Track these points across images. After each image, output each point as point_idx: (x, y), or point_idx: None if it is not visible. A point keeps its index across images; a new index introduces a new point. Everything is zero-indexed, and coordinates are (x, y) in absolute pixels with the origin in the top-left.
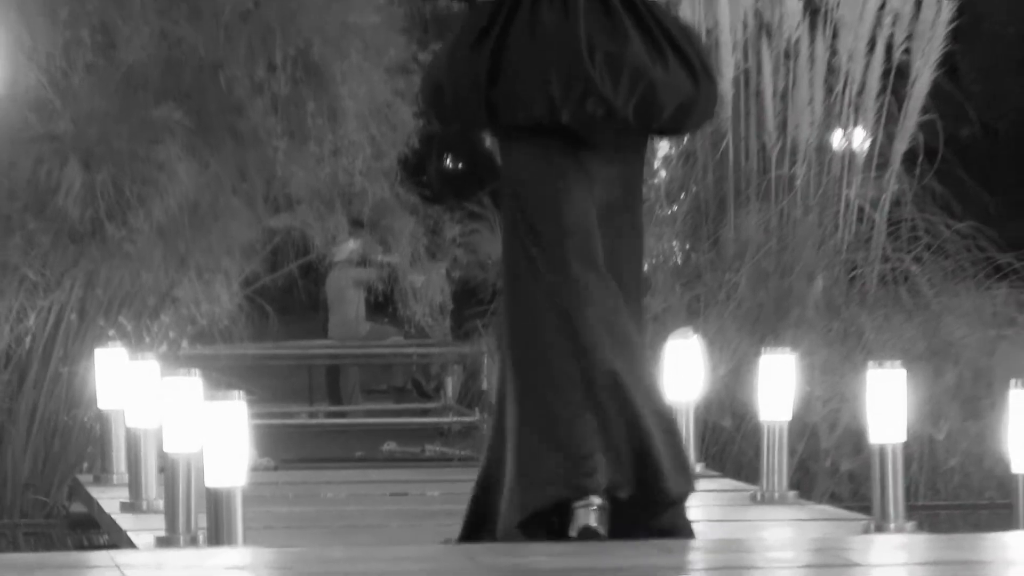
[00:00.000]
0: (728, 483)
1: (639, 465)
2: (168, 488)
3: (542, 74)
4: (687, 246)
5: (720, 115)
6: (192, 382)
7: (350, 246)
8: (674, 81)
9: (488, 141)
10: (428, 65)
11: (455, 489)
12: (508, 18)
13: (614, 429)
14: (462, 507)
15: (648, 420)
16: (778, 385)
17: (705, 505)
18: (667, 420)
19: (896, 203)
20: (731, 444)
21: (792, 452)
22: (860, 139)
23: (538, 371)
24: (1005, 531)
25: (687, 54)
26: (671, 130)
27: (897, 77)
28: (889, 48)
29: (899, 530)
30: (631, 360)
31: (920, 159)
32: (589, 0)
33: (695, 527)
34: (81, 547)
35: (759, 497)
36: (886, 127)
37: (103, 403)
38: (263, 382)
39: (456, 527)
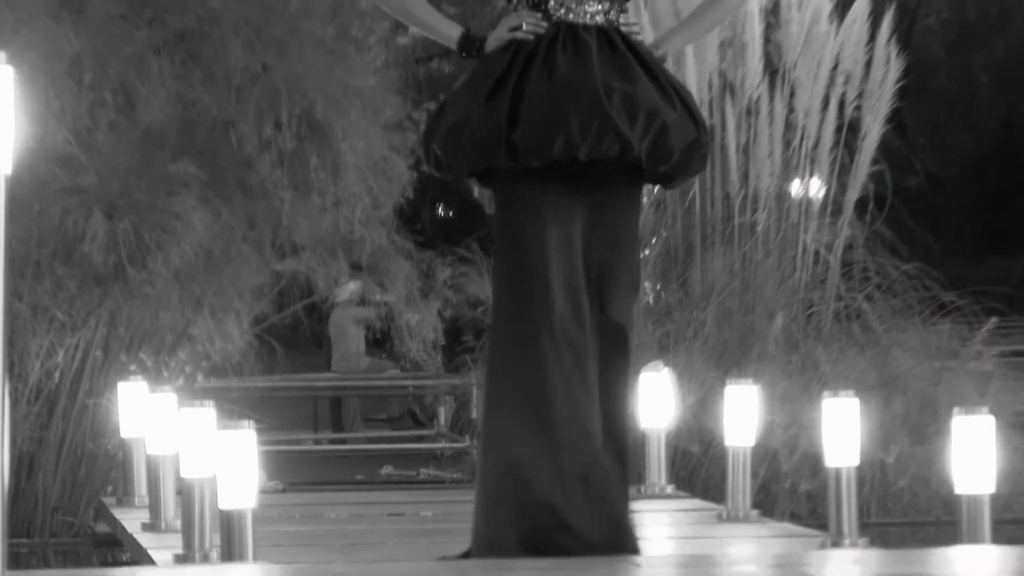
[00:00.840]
0: (696, 503)
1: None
2: (185, 510)
3: (561, 115)
4: (658, 287)
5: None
6: (206, 412)
7: (350, 288)
8: (683, 124)
9: (476, 192)
10: (432, 117)
11: (448, 509)
12: (525, 67)
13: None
14: (454, 526)
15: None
16: (742, 413)
17: (675, 523)
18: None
19: (849, 247)
20: (699, 467)
21: (755, 475)
22: (816, 188)
23: (503, 409)
24: (949, 546)
25: (688, 102)
26: (677, 171)
27: (849, 132)
28: (842, 105)
29: (853, 546)
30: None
31: (871, 206)
32: (602, 49)
33: (657, 544)
34: (105, 564)
35: (725, 516)
36: (839, 177)
37: (125, 432)
38: (272, 412)
39: (449, 545)
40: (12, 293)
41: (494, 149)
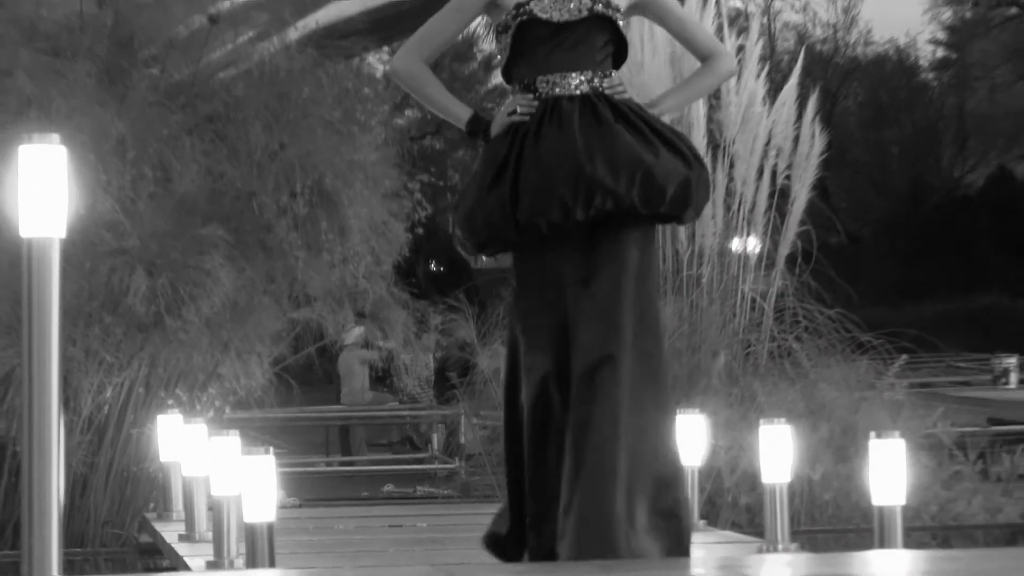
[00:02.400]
0: None
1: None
2: (215, 523)
3: (551, 184)
4: None
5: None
6: (233, 440)
7: (356, 332)
8: (667, 165)
9: (463, 251)
10: (455, 202)
11: (440, 522)
12: (521, 146)
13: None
14: (446, 535)
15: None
16: (691, 439)
17: None
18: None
19: (781, 295)
20: None
21: (702, 490)
22: (752, 245)
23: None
24: (868, 551)
25: (675, 143)
26: (679, 209)
27: (780, 197)
28: (774, 175)
29: (786, 550)
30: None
31: (799, 261)
32: (583, 116)
33: None
34: (148, 570)
35: None
36: (772, 236)
37: (164, 457)
38: (289, 439)
39: (441, 552)
40: (67, 339)
41: (503, 228)
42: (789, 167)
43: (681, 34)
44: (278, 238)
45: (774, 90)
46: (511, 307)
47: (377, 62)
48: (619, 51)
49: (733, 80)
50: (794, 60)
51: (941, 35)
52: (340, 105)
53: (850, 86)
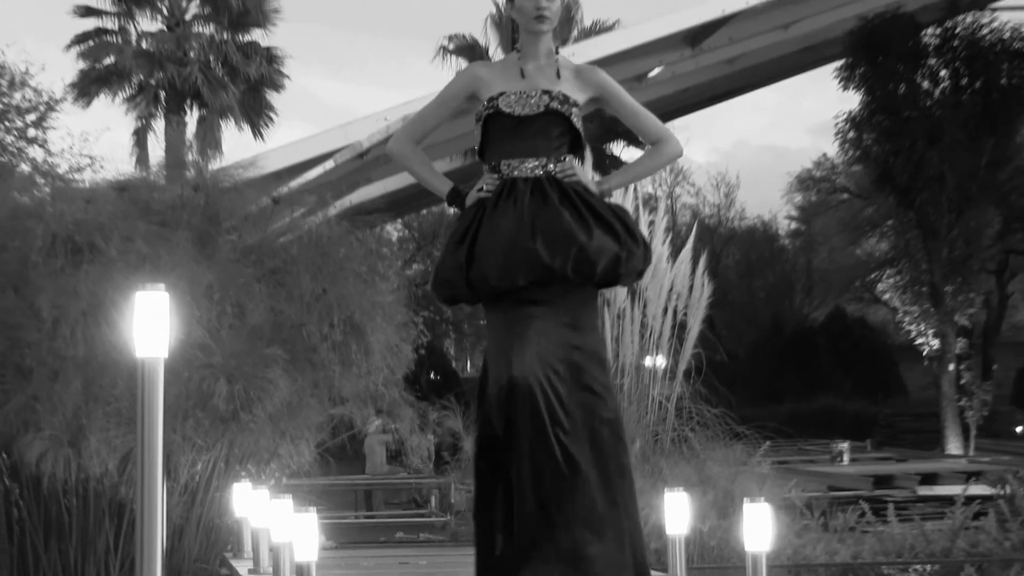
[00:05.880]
0: None
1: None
2: (274, 561)
3: (497, 253)
4: None
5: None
6: (287, 501)
7: (376, 423)
8: (599, 243)
9: (454, 364)
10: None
11: (437, 560)
12: (479, 222)
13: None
14: (441, 570)
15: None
16: None
17: None
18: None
19: (680, 398)
20: None
21: None
22: (660, 362)
23: (477, 491)
24: None
25: (610, 224)
26: (611, 280)
27: (680, 328)
28: (675, 312)
29: None
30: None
31: (693, 373)
32: (533, 196)
33: None
34: None
35: None
36: (674, 356)
37: (238, 513)
38: (328, 499)
39: None
40: (169, 428)
41: (458, 285)
42: (686, 307)
43: (634, 122)
44: (321, 356)
45: (675, 252)
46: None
47: (392, 230)
48: (575, 139)
49: None
50: (689, 231)
51: (794, 213)
52: (366, 261)
53: (729, 249)
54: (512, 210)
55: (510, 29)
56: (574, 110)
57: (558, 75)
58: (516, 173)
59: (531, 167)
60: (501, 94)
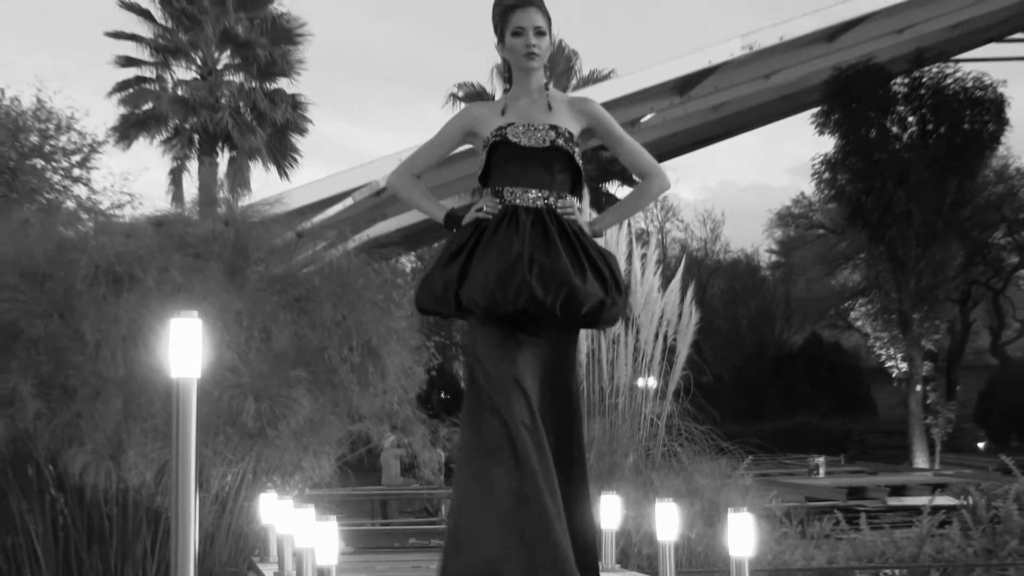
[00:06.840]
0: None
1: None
2: (298, 565)
3: (491, 278)
4: None
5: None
6: (310, 510)
7: (391, 439)
8: (589, 289)
9: (463, 384)
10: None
11: None
12: (478, 239)
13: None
14: None
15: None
16: (610, 511)
17: None
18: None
19: (670, 416)
20: None
21: (617, 544)
22: (651, 383)
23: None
24: None
25: (601, 270)
26: (591, 323)
27: (670, 352)
28: (665, 338)
29: None
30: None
31: (682, 393)
32: (534, 227)
33: None
34: None
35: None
36: (664, 377)
37: (264, 521)
38: (347, 508)
39: None
40: (201, 443)
41: (446, 301)
42: (676, 333)
43: (624, 154)
44: (341, 377)
45: (665, 282)
46: (469, 349)
47: (407, 262)
48: (576, 178)
49: (639, 274)
50: (678, 263)
51: (775, 246)
52: (382, 291)
53: (715, 280)
54: (514, 239)
55: (504, 69)
56: (576, 149)
57: (549, 107)
58: (519, 201)
59: (533, 197)
60: (510, 124)
